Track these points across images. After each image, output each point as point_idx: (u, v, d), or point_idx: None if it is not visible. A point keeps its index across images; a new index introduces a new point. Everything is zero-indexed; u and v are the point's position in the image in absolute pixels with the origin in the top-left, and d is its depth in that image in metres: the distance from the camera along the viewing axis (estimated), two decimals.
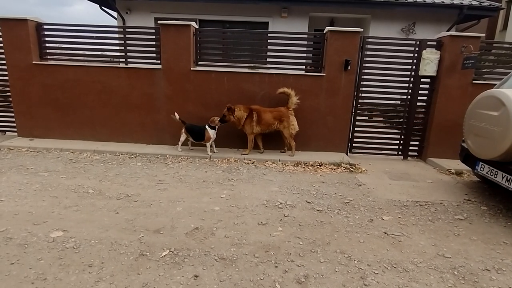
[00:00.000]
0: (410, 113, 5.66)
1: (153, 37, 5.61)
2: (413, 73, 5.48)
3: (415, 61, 5.44)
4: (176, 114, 5.17)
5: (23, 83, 5.64)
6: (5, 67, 5.64)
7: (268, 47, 5.78)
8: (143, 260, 2.42)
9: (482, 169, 3.83)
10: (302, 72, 5.71)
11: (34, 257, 2.39)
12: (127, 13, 9.88)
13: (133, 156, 5.13)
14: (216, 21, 9.81)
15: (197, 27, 5.50)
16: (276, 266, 2.40)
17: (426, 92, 5.61)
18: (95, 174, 4.27)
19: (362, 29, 5.32)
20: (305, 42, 6.15)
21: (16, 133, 5.93)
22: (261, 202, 3.58)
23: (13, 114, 5.89)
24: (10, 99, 5.83)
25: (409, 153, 5.81)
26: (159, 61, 5.54)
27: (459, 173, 4.96)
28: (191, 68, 5.43)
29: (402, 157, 5.81)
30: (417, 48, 5.40)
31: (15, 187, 3.70)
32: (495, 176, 3.58)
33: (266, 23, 9.84)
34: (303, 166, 5.01)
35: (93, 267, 2.31)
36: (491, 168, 3.66)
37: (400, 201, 3.81)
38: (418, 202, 3.80)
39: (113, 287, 2.11)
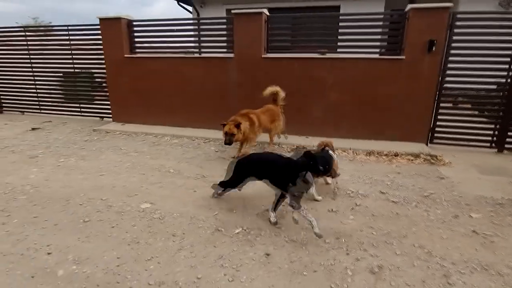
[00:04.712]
0: (509, 99, 4.87)
1: (225, 26, 5.84)
2: None
3: None
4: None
5: (117, 75, 6.43)
6: (102, 61, 6.49)
7: (340, 30, 5.52)
8: (219, 235, 2.60)
9: None
10: (377, 56, 5.34)
11: (129, 223, 2.76)
12: (201, 6, 10.45)
13: (207, 140, 5.48)
14: (286, 8, 9.72)
15: (268, 14, 5.53)
16: (348, 254, 2.35)
17: None
18: (174, 156, 4.68)
19: (452, 4, 4.70)
20: (381, 23, 5.70)
21: (110, 119, 6.83)
22: (331, 189, 3.50)
23: (107, 103, 6.80)
24: (106, 89, 6.72)
25: (506, 145, 5.02)
26: (231, 50, 5.75)
27: None
28: (262, 56, 5.51)
29: (496, 149, 5.06)
30: None
31: (112, 164, 4.28)
32: None
33: (338, 7, 9.39)
34: (376, 155, 4.73)
35: (176, 236, 2.57)
36: None
37: (493, 198, 3.35)
38: None
39: (193, 256, 2.32)
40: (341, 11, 9.24)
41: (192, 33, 6.31)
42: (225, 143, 4.16)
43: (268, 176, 2.74)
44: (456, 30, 4.79)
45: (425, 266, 2.24)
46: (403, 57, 4.97)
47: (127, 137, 5.77)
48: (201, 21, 6.63)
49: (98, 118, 7.18)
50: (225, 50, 5.99)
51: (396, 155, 4.69)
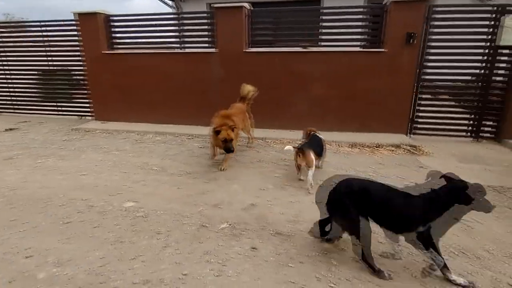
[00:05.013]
0: (485, 90, 5.05)
1: (207, 21, 5.75)
2: (490, 43, 4.84)
3: (492, 30, 4.78)
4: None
5: (97, 72, 6.22)
6: (80, 58, 6.28)
7: (322, 24, 5.54)
8: (204, 230, 2.58)
9: None
10: (359, 49, 5.40)
11: (112, 223, 2.70)
12: (182, 0, 10.24)
13: (190, 137, 5.41)
14: (267, 2, 9.65)
15: (249, 8, 5.48)
16: (334, 245, 2.38)
17: (505, 65, 4.93)
18: (157, 154, 4.59)
19: None
20: (361, 17, 5.76)
21: (90, 117, 6.64)
22: (316, 182, 3.53)
23: (86, 101, 6.60)
24: (85, 87, 6.51)
25: (482, 134, 5.22)
26: (213, 45, 5.67)
27: None
28: (244, 50, 5.47)
29: (472, 138, 5.24)
30: (496, 15, 4.74)
31: (93, 164, 4.16)
32: None
33: (319, 1, 9.41)
34: (359, 147, 4.81)
35: (160, 234, 2.53)
36: None
37: None
38: (492, 187, 3.42)
39: (179, 253, 2.29)
40: (323, 5, 9.28)
41: (173, 28, 6.19)
42: (228, 151, 3.81)
43: (391, 220, 2.07)
44: (433, 23, 4.90)
45: (406, 252, 2.29)
46: (385, 50, 5.05)
47: (108, 135, 5.62)
48: (182, 15, 6.50)
49: (77, 117, 6.95)
50: (207, 45, 5.91)
51: (378, 146, 4.78)
